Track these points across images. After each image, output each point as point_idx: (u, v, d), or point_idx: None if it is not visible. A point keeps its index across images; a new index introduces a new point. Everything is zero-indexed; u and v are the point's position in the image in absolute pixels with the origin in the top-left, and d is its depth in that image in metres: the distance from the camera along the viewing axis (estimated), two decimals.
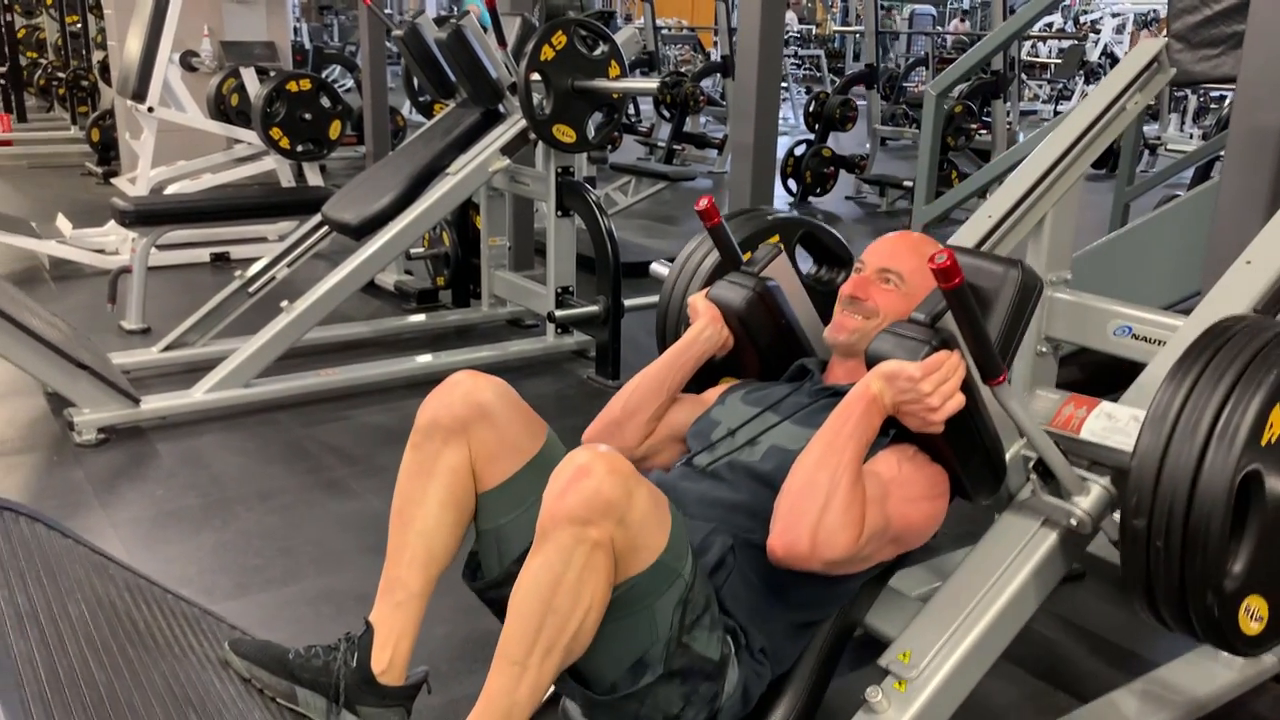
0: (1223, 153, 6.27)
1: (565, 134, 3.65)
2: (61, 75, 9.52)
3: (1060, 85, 14.05)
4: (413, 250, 4.42)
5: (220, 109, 6.07)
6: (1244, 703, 2.04)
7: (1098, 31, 14.96)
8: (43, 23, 10.84)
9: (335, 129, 5.36)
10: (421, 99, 4.57)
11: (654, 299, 3.94)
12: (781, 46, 3.81)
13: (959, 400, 1.42)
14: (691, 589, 1.38)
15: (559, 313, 3.72)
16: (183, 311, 3.99)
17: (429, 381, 3.64)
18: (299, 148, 5.34)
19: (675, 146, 8.75)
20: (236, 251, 5.35)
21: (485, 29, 3.80)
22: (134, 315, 4.16)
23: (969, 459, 1.52)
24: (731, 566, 1.48)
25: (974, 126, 6.96)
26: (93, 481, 2.90)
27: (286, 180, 5.69)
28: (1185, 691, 1.98)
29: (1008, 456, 1.59)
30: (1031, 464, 1.58)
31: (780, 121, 11.24)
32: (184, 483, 2.91)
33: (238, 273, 3.92)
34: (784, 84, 14.05)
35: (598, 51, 3.68)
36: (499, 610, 1.52)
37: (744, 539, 1.50)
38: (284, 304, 3.45)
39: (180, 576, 2.41)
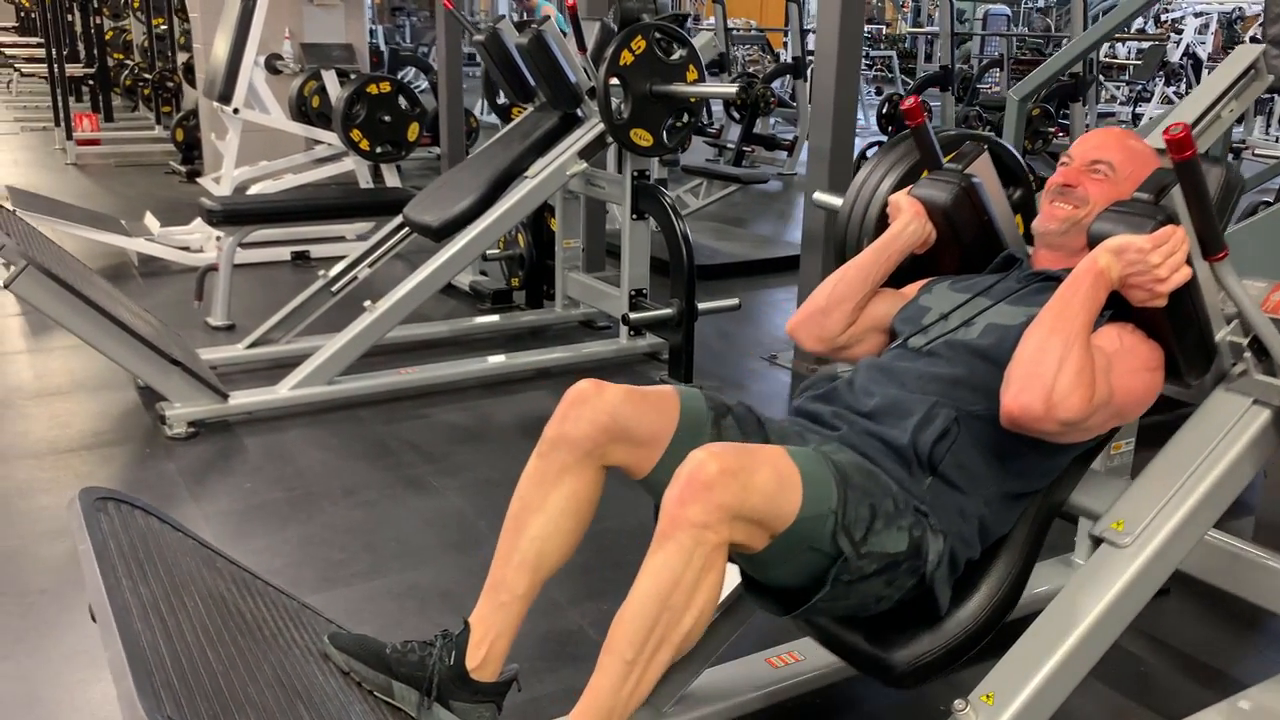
0: None
1: (642, 138, 3.67)
2: (147, 76, 9.79)
3: (1139, 87, 13.73)
4: (488, 252, 4.49)
5: (301, 110, 6.21)
6: None
7: (1179, 31, 14.59)
8: (129, 25, 11.15)
9: (413, 131, 5.45)
10: (500, 102, 4.62)
11: (726, 302, 4.00)
12: (861, 50, 3.80)
13: (1186, 272, 1.49)
14: (846, 513, 1.42)
15: (633, 315, 3.74)
16: (265, 309, 4.10)
17: (504, 382, 3.79)
18: (378, 149, 5.44)
19: (745, 148, 8.74)
20: (316, 250, 5.46)
21: (564, 34, 3.85)
22: (219, 312, 4.28)
23: (1185, 335, 1.59)
24: (955, 435, 1.55)
25: (1052, 130, 6.85)
26: (184, 474, 2.99)
27: (364, 181, 5.80)
28: (1276, 712, 1.94)
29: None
30: (1247, 341, 1.63)
31: (861, 126, 11.19)
32: (270, 477, 2.99)
33: (321, 272, 4.01)
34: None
35: (675, 56, 3.69)
36: None
37: (966, 411, 1.57)
38: (367, 304, 3.52)
39: (268, 568, 2.47)
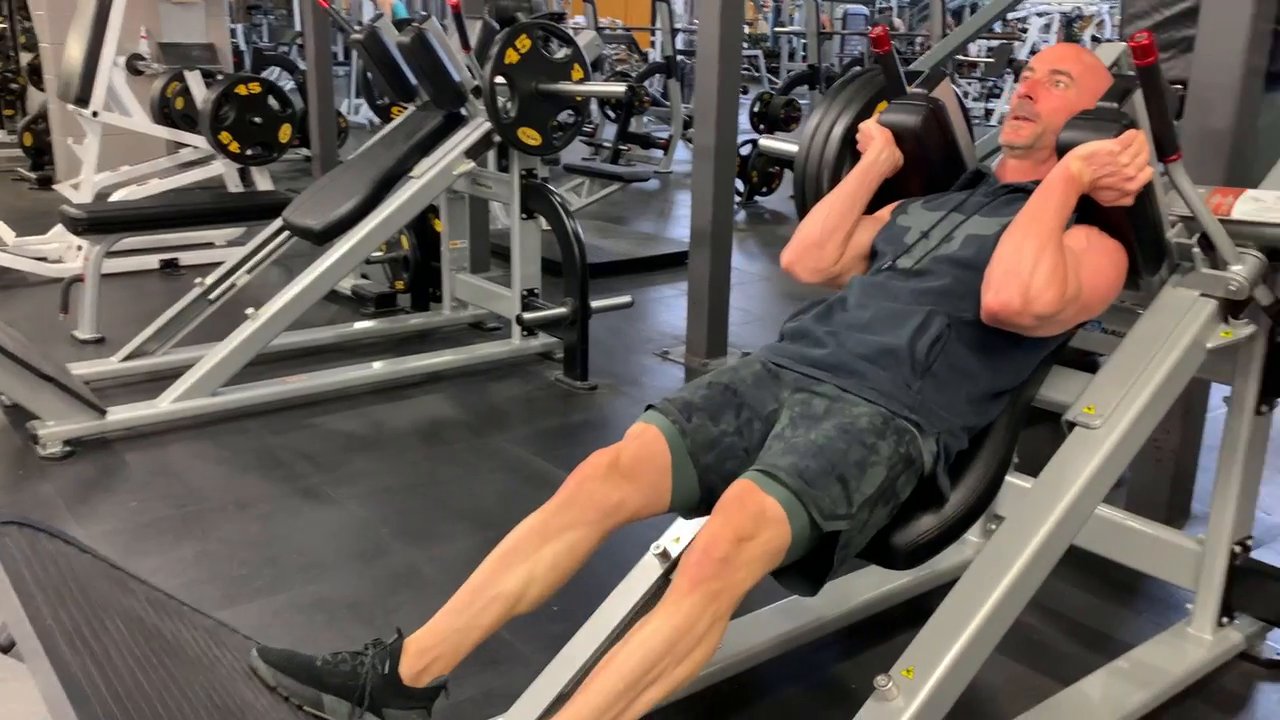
0: None
1: (530, 137, 3.66)
2: None
3: (991, 83, 14.33)
4: (370, 254, 4.39)
5: (165, 113, 5.96)
6: (1214, 679, 2.14)
7: (1025, 30, 15.29)
8: None
9: (285, 132, 5.30)
10: (379, 102, 4.54)
11: (619, 300, 4.03)
12: (740, 50, 3.88)
13: (1149, 171, 1.63)
14: (821, 511, 1.49)
15: (527, 315, 3.73)
16: (136, 320, 3.93)
17: (396, 387, 3.73)
18: (248, 151, 5.27)
19: (621, 147, 8.79)
20: (186, 258, 5.26)
21: (405, 23, 3.77)
22: (87, 325, 4.08)
23: (1143, 233, 1.75)
24: (947, 338, 1.67)
25: None
26: (63, 495, 2.85)
27: (233, 185, 5.61)
28: (1161, 670, 2.07)
29: None
30: (1196, 239, 1.80)
31: None
32: (158, 494, 2.87)
33: (197, 280, 3.86)
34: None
35: (560, 54, 3.70)
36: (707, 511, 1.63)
37: (958, 317, 1.70)
38: (249, 311, 3.42)
39: (166, 588, 2.37)
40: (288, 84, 9.66)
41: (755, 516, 1.46)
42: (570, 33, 3.72)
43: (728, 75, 3.81)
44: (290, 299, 3.44)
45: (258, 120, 5.21)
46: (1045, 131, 1.85)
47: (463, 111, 3.82)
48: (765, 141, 2.65)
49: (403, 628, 1.64)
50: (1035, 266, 1.57)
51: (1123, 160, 1.62)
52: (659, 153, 8.95)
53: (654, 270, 5.62)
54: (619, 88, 3.54)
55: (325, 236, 3.57)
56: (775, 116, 7.74)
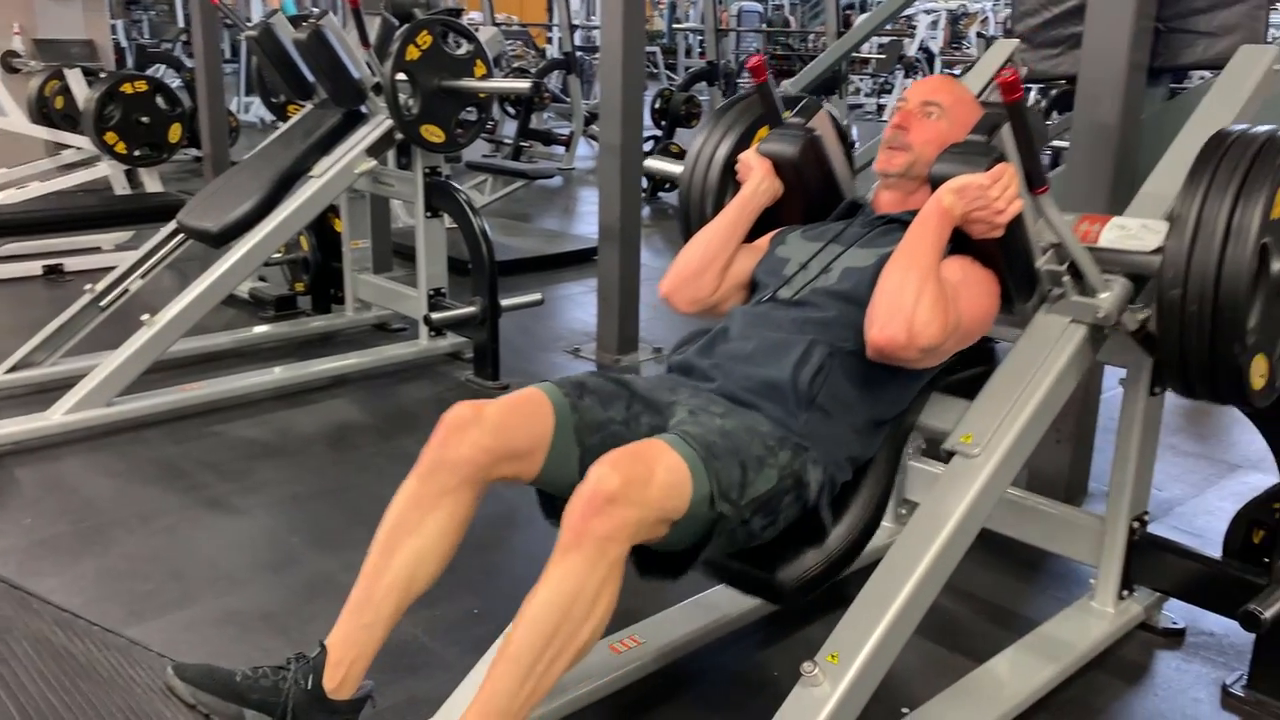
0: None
1: (434, 134, 3.61)
2: None
3: (882, 80, 14.65)
4: (270, 256, 4.28)
5: (43, 112, 5.70)
6: (1116, 650, 2.23)
7: (914, 27, 15.68)
8: None
9: (175, 132, 5.12)
10: (275, 100, 4.43)
11: (529, 298, 4.00)
12: (644, 46, 3.89)
13: (1019, 204, 1.67)
14: (720, 484, 1.49)
15: (435, 315, 3.68)
16: (20, 329, 3.77)
17: (300, 391, 3.64)
18: (136, 152, 5.08)
19: (522, 144, 8.73)
20: (71, 264, 5.04)
21: (299, 19, 3.69)
22: None
23: (1015, 263, 1.78)
24: (829, 369, 1.69)
25: None
26: None
27: (121, 187, 5.40)
28: (1068, 644, 2.14)
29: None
30: (1066, 266, 1.83)
31: None
32: (54, 509, 2.75)
33: (87, 286, 3.70)
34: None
35: (462, 51, 3.66)
36: None
37: (839, 348, 1.71)
38: (145, 317, 3.30)
39: (67, 607, 2.28)
40: (174, 82, 9.35)
41: (651, 461, 1.44)
42: (472, 29, 3.68)
43: (632, 72, 3.81)
44: (188, 304, 3.33)
45: (145, 120, 5.03)
46: (917, 161, 1.89)
47: (363, 109, 3.74)
48: (651, 163, 2.66)
49: (319, 635, 1.61)
50: (918, 301, 1.60)
51: (992, 194, 1.65)
52: (561, 149, 8.92)
53: (561, 268, 5.60)
54: (524, 84, 3.52)
55: (223, 239, 3.47)
56: (677, 113, 7.79)
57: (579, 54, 8.74)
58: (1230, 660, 2.21)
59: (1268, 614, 1.87)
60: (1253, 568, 2.10)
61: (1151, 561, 2.21)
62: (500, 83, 3.68)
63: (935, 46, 14.99)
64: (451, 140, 3.67)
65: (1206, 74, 3.33)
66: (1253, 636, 2.21)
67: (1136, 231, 1.85)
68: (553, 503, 1.70)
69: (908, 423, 1.86)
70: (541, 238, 6.29)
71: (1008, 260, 1.78)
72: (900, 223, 1.84)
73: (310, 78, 3.81)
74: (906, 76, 14.61)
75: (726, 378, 1.72)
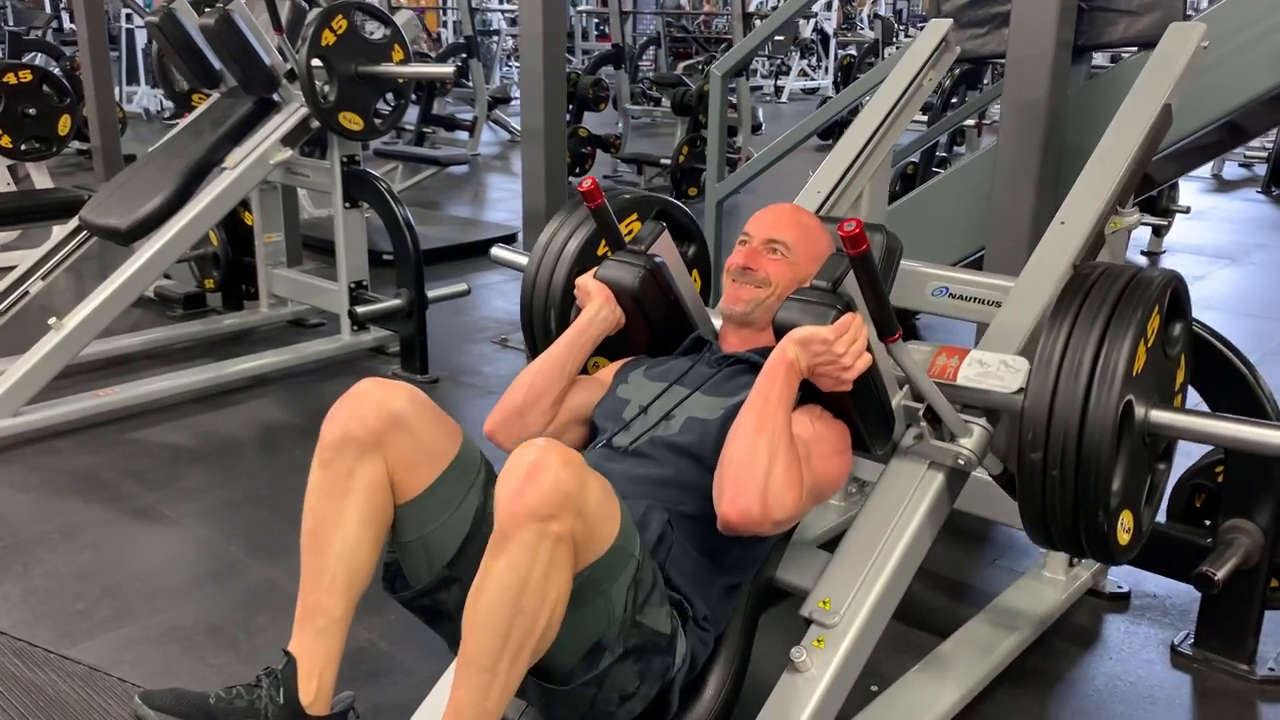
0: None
1: (352, 121, 3.50)
2: None
3: (779, 61, 14.79)
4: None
5: None
6: (1068, 616, 2.29)
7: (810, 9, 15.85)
8: None
9: (65, 124, 4.88)
10: (177, 90, 4.23)
11: (456, 288, 3.92)
12: (565, 27, 3.83)
13: (867, 359, 1.51)
14: (641, 568, 1.39)
15: (360, 309, 3.57)
16: None
17: (221, 393, 3.49)
18: (23, 147, 4.80)
19: (425, 129, 8.57)
20: None
21: (204, 3, 3.52)
22: None
23: (868, 412, 1.62)
24: (671, 539, 1.52)
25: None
26: None
27: (4, 184, 5.11)
28: (1026, 613, 2.19)
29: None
30: (922, 411, 1.68)
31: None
32: None
33: None
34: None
35: (378, 35, 3.54)
36: (430, 616, 1.52)
37: (677, 511, 1.54)
38: (52, 321, 3.12)
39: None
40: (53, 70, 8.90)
41: (589, 469, 1.33)
42: (387, 12, 3.57)
43: (553, 52, 3.75)
44: (98, 305, 3.16)
45: (32, 112, 4.76)
46: (770, 296, 1.74)
47: (275, 97, 3.60)
48: (498, 251, 2.43)
49: (270, 647, 1.53)
50: (769, 471, 1.43)
51: (838, 349, 1.49)
52: (464, 134, 8.78)
53: (479, 256, 5.49)
54: (447, 69, 3.41)
55: (132, 236, 3.30)
56: (585, 96, 7.72)
57: (480, 37, 8.58)
58: (1174, 620, 2.29)
59: (1220, 574, 1.93)
60: (1196, 530, 2.17)
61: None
62: (422, 68, 3.59)
63: (829, 27, 15.19)
64: (370, 127, 3.56)
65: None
66: (1194, 597, 2.30)
67: (996, 369, 1.67)
68: (393, 578, 1.53)
69: (763, 578, 1.71)
70: (454, 226, 6.17)
71: (859, 410, 1.61)
72: (748, 363, 1.71)
73: (217, 65, 3.65)
74: (801, 58, 14.81)
75: None
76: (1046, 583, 2.29)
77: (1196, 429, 1.60)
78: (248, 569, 2.45)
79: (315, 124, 3.54)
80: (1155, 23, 2.67)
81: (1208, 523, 2.20)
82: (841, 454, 1.62)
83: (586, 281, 1.85)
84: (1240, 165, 8.33)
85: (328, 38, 3.36)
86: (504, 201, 7.35)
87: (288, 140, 3.52)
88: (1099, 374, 1.47)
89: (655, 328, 1.90)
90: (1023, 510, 1.59)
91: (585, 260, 2.00)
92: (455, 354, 4.00)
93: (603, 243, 1.98)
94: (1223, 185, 7.86)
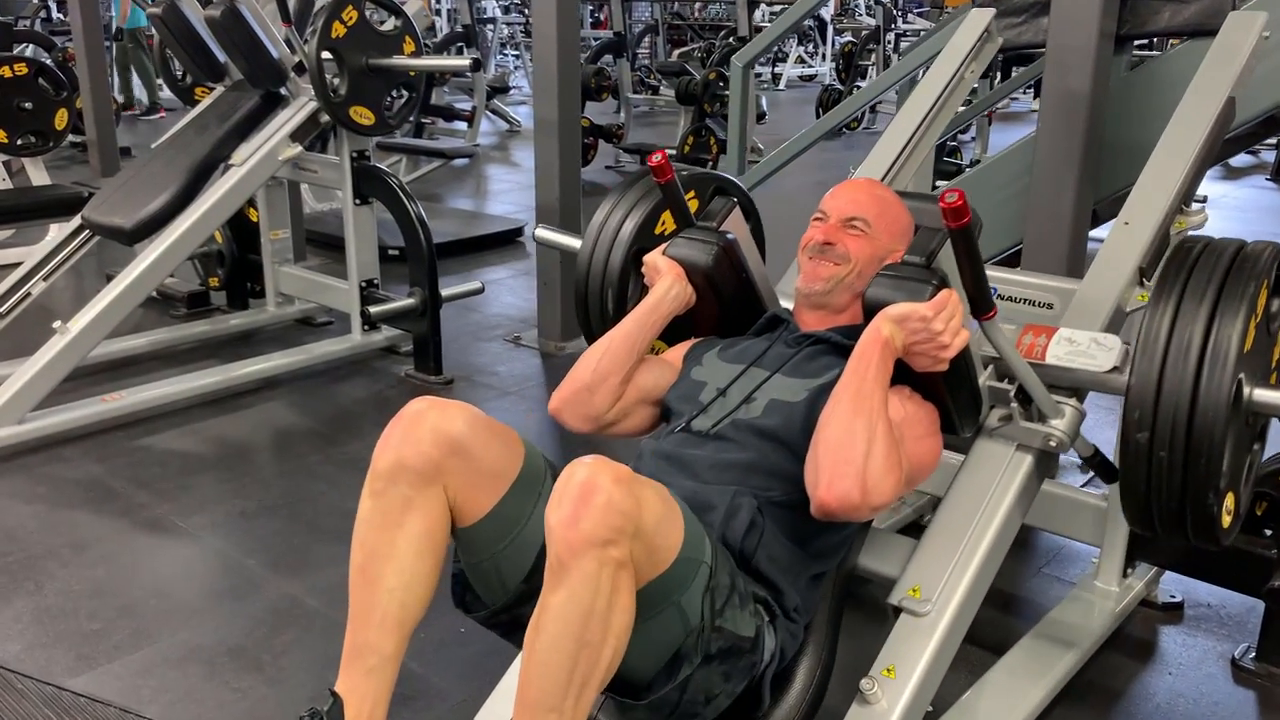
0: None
1: (363, 116, 3.39)
2: None
3: (776, 49, 14.67)
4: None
5: None
6: (1122, 628, 2.21)
7: None
8: None
9: (62, 118, 4.74)
10: (181, 83, 4.12)
11: (469, 286, 3.83)
12: (579, 16, 3.73)
13: (966, 336, 1.46)
14: (715, 574, 1.33)
15: (375, 309, 3.47)
16: None
17: (230, 396, 3.40)
18: (19, 141, 4.68)
19: (424, 120, 8.44)
20: None
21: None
22: None
23: (959, 393, 1.57)
24: (762, 526, 1.47)
25: (728, 92, 7.13)
26: None
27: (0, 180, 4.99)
28: (1083, 627, 2.11)
29: None
30: (1013, 392, 1.63)
31: (526, 95, 11.15)
32: None
33: None
34: (518, 54, 13.89)
35: (389, 26, 3.44)
36: (508, 631, 1.47)
37: (765, 498, 1.49)
38: (57, 324, 3.02)
39: (6, 656, 2.06)
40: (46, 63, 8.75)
41: (644, 480, 1.26)
42: (398, 3, 3.46)
43: (567, 47, 3.65)
44: (105, 307, 3.06)
45: (28, 105, 4.63)
46: (849, 274, 1.67)
47: (282, 91, 3.49)
48: (543, 233, 2.37)
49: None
50: (869, 453, 1.37)
51: (936, 327, 1.43)
52: (462, 125, 8.66)
53: (483, 250, 5.40)
54: (464, 61, 3.29)
55: (138, 235, 3.20)
56: (586, 85, 7.60)
57: (479, 26, 8.46)
58: (1232, 632, 2.21)
59: None
60: (1258, 540, 2.09)
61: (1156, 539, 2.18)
62: (438, 60, 3.49)
63: (827, 14, 15.07)
64: (381, 122, 3.46)
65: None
66: (1249, 606, 2.24)
67: (1087, 347, 1.62)
68: (464, 592, 1.48)
69: (847, 568, 1.66)
70: (458, 220, 6.06)
71: (951, 391, 1.56)
72: (829, 343, 1.65)
73: (222, 58, 3.54)
74: (799, 45, 14.68)
75: None
76: (1099, 594, 2.21)
77: None
78: (268, 584, 2.36)
79: (325, 119, 3.43)
80: (1202, 11, 2.58)
81: (1269, 532, 2.13)
82: (934, 435, 1.56)
83: (656, 259, 1.79)
84: (1248, 152, 8.27)
85: (338, 30, 3.25)
86: (506, 194, 7.25)
87: (297, 136, 3.42)
88: (1211, 352, 1.40)
89: (726, 307, 1.83)
90: (1124, 493, 1.53)
91: (643, 240, 1.94)
92: (468, 353, 3.91)
93: (660, 222, 1.93)
94: (1231, 173, 7.79)
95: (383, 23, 3.48)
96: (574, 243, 2.08)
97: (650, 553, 1.25)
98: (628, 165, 7.76)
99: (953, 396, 1.57)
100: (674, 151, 6.94)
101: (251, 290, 4.16)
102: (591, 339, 1.92)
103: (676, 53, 12.48)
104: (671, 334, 1.84)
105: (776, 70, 14.42)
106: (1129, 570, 2.23)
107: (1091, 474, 2.83)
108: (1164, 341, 1.44)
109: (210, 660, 2.08)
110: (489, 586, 1.44)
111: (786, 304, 1.87)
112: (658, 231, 1.96)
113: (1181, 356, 1.42)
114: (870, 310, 1.50)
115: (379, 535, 1.37)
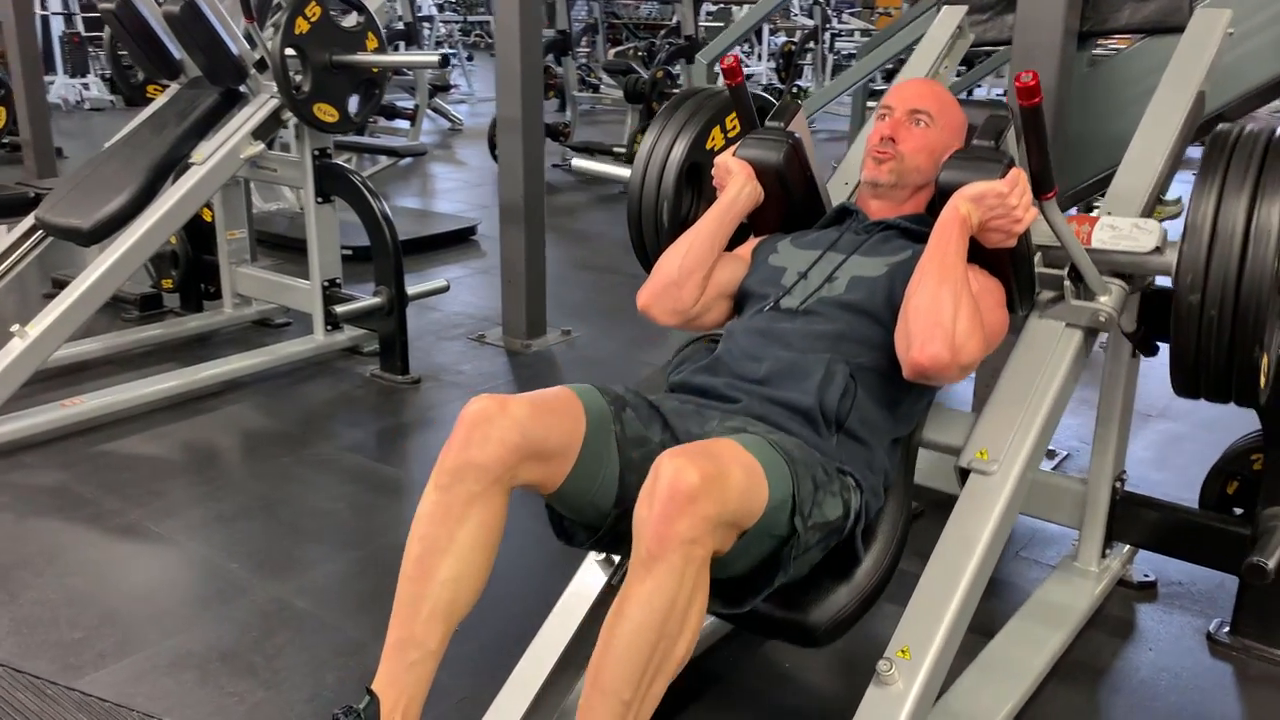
0: None
1: (327, 113, 3.35)
2: None
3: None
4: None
5: None
6: (1102, 608, 2.28)
7: None
8: None
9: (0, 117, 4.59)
10: (133, 80, 4.02)
11: (435, 284, 3.80)
12: (542, 14, 3.72)
13: (1035, 212, 1.60)
14: (799, 494, 1.41)
15: (342, 309, 3.42)
16: None
17: (192, 399, 3.33)
18: None
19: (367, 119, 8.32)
20: None
21: None
22: None
23: (1020, 269, 1.73)
24: (854, 391, 1.61)
25: (676, 90, 7.17)
26: None
27: None
28: (1069, 607, 2.17)
29: None
30: (1067, 270, 1.80)
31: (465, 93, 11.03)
32: None
33: None
34: (455, 52, 13.79)
35: (352, 22, 3.40)
36: (610, 546, 1.61)
37: (856, 364, 1.63)
38: (15, 328, 2.93)
39: None
40: None
41: (726, 459, 1.33)
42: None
43: (529, 46, 3.65)
44: (65, 310, 2.98)
45: None
46: (907, 170, 1.82)
47: (242, 88, 3.43)
48: (583, 163, 2.47)
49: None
50: (956, 316, 1.52)
51: (1011, 202, 1.57)
52: (404, 124, 8.56)
53: (437, 249, 5.36)
54: (433, 57, 3.26)
55: (96, 236, 3.12)
56: None
57: (421, 23, 8.37)
58: (1204, 608, 2.29)
59: (1272, 564, 1.93)
60: (1231, 518, 2.17)
61: (1130, 518, 2.26)
62: (406, 56, 3.45)
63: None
64: (345, 120, 3.42)
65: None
66: (1218, 582, 2.32)
67: (1129, 231, 1.81)
68: (563, 523, 1.57)
69: (915, 439, 1.80)
70: (410, 219, 5.98)
71: (1015, 267, 1.72)
72: (898, 229, 1.79)
73: (178, 54, 3.47)
74: (735, 45, 14.78)
75: (749, 398, 1.61)
76: (1081, 574, 2.28)
77: None
78: (254, 587, 2.32)
79: (287, 116, 3.38)
80: (1161, 9, 2.66)
81: (1239, 511, 2.22)
82: (1003, 307, 1.72)
83: (728, 160, 1.89)
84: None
85: (302, 26, 3.21)
86: (453, 192, 7.20)
87: (259, 133, 3.36)
88: (1258, 215, 1.58)
89: (793, 204, 1.94)
90: (1174, 353, 1.71)
91: (696, 155, 2.08)
92: (432, 353, 3.87)
93: (710, 137, 2.10)
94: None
95: (345, 18, 3.43)
96: (619, 171, 2.21)
97: (739, 521, 1.34)
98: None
99: (1016, 272, 1.72)
100: (623, 150, 6.96)
101: (206, 292, 4.08)
102: (645, 257, 2.11)
103: (613, 51, 12.50)
104: (743, 232, 1.97)
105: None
106: (1107, 551, 2.30)
107: (1059, 461, 2.92)
108: (1212, 213, 1.62)
109: (202, 666, 2.04)
110: (587, 519, 1.53)
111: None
112: (708, 147, 2.10)
113: (1229, 226, 1.60)
114: (945, 191, 1.62)
115: (439, 528, 1.40)
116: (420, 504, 1.43)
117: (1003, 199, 1.56)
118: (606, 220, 6.30)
